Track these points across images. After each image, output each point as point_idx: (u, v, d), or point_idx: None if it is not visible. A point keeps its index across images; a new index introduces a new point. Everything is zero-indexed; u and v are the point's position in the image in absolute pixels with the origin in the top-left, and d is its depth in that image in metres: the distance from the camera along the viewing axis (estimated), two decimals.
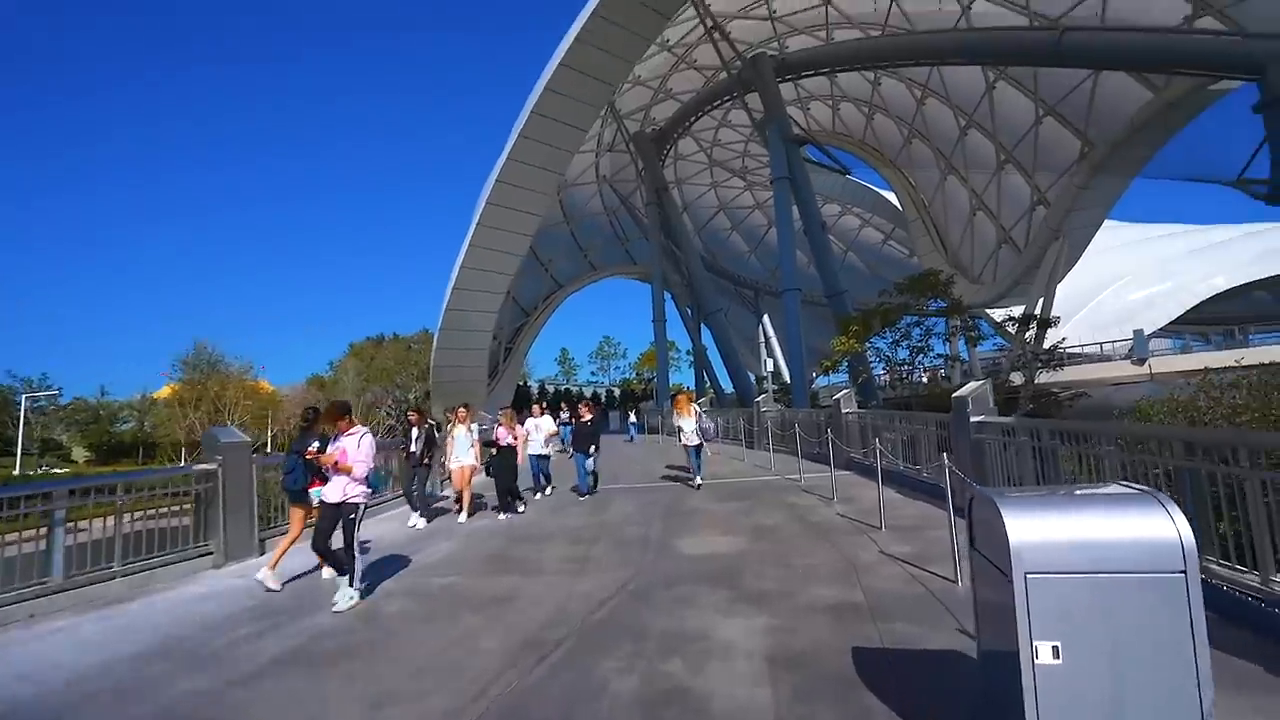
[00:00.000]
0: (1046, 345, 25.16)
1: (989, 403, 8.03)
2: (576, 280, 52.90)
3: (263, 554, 7.73)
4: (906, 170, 38.67)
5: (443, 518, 10.16)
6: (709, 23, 24.90)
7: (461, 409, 10.45)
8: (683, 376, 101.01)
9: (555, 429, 13.21)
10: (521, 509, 10.10)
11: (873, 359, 23.74)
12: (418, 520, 9.54)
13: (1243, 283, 49.89)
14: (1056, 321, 25.23)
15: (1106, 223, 30.29)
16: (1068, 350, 27.02)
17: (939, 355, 23.35)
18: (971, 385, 8.33)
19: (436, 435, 10.73)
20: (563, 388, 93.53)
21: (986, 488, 3.33)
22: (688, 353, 68.96)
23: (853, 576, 5.70)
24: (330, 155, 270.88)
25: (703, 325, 44.01)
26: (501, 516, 9.72)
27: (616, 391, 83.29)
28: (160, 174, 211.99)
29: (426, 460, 10.20)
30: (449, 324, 29.21)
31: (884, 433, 11.11)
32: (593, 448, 11.46)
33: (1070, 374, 28.49)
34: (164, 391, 59.66)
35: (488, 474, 10.49)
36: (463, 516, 9.70)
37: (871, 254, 61.30)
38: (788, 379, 47.28)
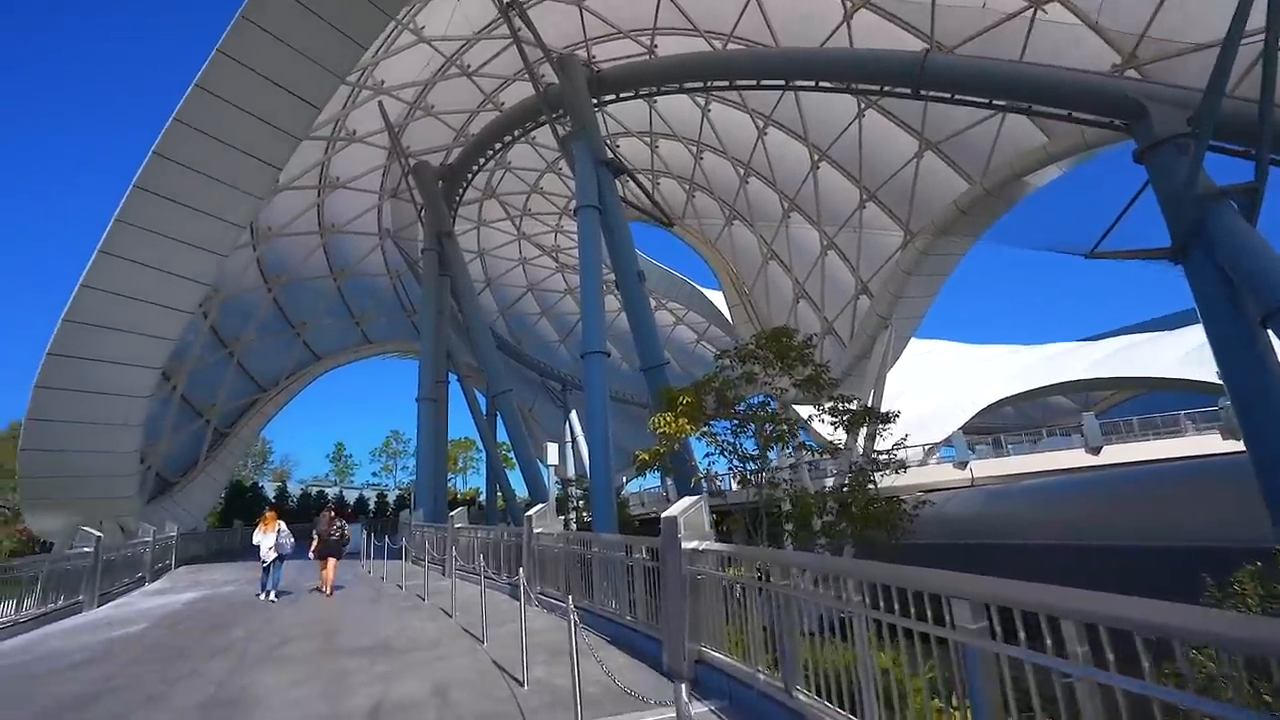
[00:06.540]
0: (887, 445, 21.07)
1: None
2: (342, 353, 42.12)
3: None
4: (728, 254, 36.00)
5: None
6: (515, 20, 19.22)
7: None
8: (479, 480, 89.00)
9: None
10: None
11: (704, 453, 17.70)
12: None
13: (1001, 398, 55.02)
14: (896, 416, 21.41)
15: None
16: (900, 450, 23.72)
17: (798, 446, 17.74)
18: None
19: None
20: (330, 490, 76.78)
21: None
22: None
23: None
24: None
25: (497, 416, 35.93)
26: None
27: (391, 498, 69.77)
28: None
29: None
30: (56, 378, 17.78)
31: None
32: None
33: (906, 478, 25.23)
34: None
35: None
36: None
37: (684, 354, 58.80)
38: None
